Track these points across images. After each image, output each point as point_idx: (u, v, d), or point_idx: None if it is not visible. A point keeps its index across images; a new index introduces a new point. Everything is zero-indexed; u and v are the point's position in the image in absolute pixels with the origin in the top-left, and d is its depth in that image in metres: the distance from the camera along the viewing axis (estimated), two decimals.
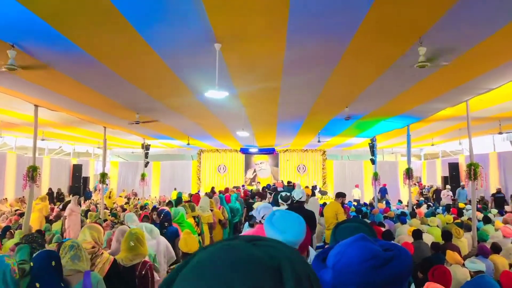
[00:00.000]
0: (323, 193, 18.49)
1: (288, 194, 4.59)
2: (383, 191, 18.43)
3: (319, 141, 14.05)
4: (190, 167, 21.76)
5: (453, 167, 16.91)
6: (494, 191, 13.03)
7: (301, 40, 4.33)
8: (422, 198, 17.99)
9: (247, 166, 21.59)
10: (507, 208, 12.36)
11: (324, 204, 12.62)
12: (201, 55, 4.68)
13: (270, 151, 19.59)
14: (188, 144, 14.90)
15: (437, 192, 16.15)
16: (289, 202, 4.82)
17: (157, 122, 10.33)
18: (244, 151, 19.56)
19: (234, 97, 6.82)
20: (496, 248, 5.56)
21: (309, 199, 7.43)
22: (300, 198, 4.83)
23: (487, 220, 8.75)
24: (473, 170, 7.65)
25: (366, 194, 19.82)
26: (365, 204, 15.31)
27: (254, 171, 21.71)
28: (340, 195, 6.84)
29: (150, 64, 5.19)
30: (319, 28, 4.07)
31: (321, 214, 9.16)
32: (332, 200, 6.41)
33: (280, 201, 4.81)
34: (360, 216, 9.82)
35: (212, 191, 14.91)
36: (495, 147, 15.94)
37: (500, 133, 12.19)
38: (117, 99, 7.49)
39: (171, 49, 4.63)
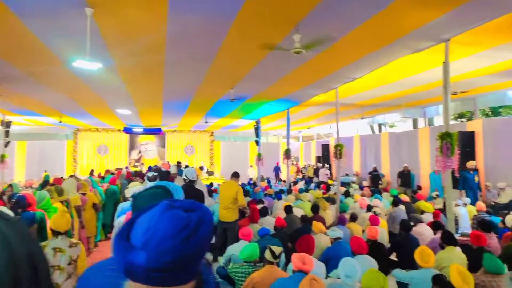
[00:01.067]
0: (210, 173, 18.75)
1: (155, 174, 4.53)
2: (277, 170, 19.72)
3: (206, 122, 14.09)
4: (64, 147, 19.57)
5: (325, 148, 18.91)
6: (371, 169, 14.76)
7: (184, 12, 4.19)
8: (299, 176, 19.74)
9: (132, 146, 20.47)
10: (365, 183, 14.44)
11: (211, 184, 12.89)
12: (69, 19, 4.16)
13: (156, 131, 18.90)
14: (61, 122, 13.32)
15: (317, 170, 17.84)
16: (156, 181, 4.77)
17: (21, 95, 8.93)
18: (128, 130, 18.47)
19: (112, 70, 6.28)
20: (353, 217, 6.44)
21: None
22: (193, 178, 4.82)
23: (347, 194, 10.09)
24: (339, 150, 8.65)
25: (251, 173, 20.79)
26: (249, 183, 16.05)
27: (139, 152, 20.73)
28: (236, 175, 6.98)
29: (5, 25, 4.40)
30: (202, 2, 3.99)
31: (210, 194, 9.34)
32: (228, 180, 6.51)
33: (146, 180, 4.72)
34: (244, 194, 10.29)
35: (91, 173, 13.77)
36: (358, 131, 18.35)
37: (362, 118, 14.00)
38: None
39: (31, 9, 3.99)
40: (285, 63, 6.57)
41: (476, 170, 9.65)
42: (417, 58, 6.48)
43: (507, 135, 9.94)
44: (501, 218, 6.66)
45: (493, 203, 9.08)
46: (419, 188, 12.20)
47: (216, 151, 22.02)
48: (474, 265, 4.16)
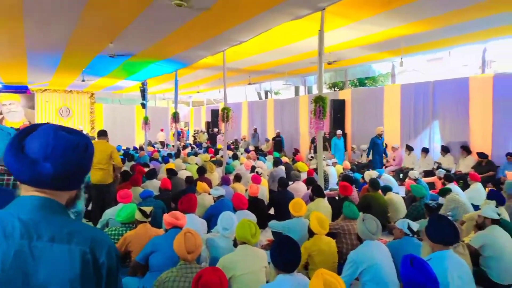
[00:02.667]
0: (91, 138, 17.19)
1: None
2: (179, 133, 18.90)
3: (83, 80, 12.67)
4: None
5: (215, 113, 19.00)
6: (274, 135, 15.14)
7: None
8: (188, 142, 19.60)
9: None
10: (264, 147, 15.06)
11: None
12: None
13: (21, 89, 16.33)
14: None
15: (213, 136, 17.78)
16: None
17: None
18: None
19: None
20: (238, 177, 6.69)
21: None
22: None
23: (235, 157, 10.42)
24: (226, 113, 8.77)
25: (138, 138, 19.81)
26: (134, 148, 15.28)
27: (1, 113, 17.71)
28: (103, 134, 6.41)
29: None
30: None
31: None
32: (98, 140, 5.87)
33: None
34: (127, 159, 9.77)
35: None
36: (246, 97, 18.87)
37: (250, 84, 14.38)
38: None
39: None
40: (169, 19, 6.21)
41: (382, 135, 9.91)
42: (297, 26, 6.81)
43: (370, 104, 11.40)
44: (362, 174, 7.72)
45: (356, 163, 10.45)
46: (297, 151, 13.29)
47: (98, 114, 20.16)
48: (339, 213, 4.76)
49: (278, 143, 13.92)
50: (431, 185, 7.40)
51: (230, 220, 3.35)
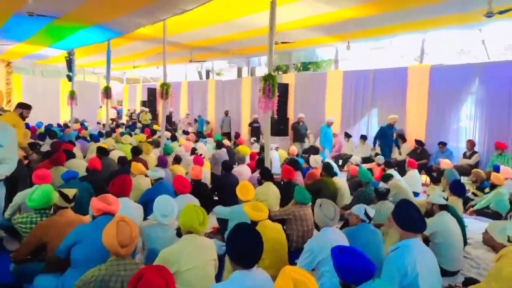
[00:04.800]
0: (2, 110, 15.16)
1: None
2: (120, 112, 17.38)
3: None
4: None
5: (151, 92, 17.87)
6: (250, 121, 14.19)
7: None
8: (121, 121, 18.28)
9: None
10: (191, 129, 14.44)
11: None
12: None
13: None
14: None
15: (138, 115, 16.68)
16: None
17: None
18: None
19: None
20: (177, 159, 6.17)
21: None
22: None
23: (174, 138, 9.77)
24: (165, 90, 8.09)
25: (63, 114, 18.00)
26: (58, 125, 13.77)
27: None
28: (19, 106, 5.48)
29: None
30: None
31: None
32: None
33: None
34: (48, 136, 8.69)
35: None
36: (186, 76, 18.00)
37: (191, 61, 13.62)
38: None
39: None
40: None
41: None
42: None
43: (313, 89, 11.40)
44: (304, 159, 7.62)
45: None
46: (238, 134, 12.95)
47: (15, 86, 17.82)
48: (284, 196, 4.52)
49: (256, 130, 12.27)
50: (370, 171, 7.56)
51: (169, 205, 2.90)
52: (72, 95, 12.21)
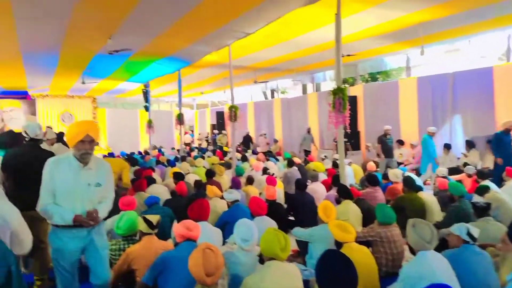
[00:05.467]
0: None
1: None
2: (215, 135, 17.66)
3: (83, 83, 12.20)
4: None
5: (220, 115, 18.50)
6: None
7: None
8: (194, 145, 19.08)
9: None
10: (259, 149, 14.53)
11: None
12: None
13: (21, 95, 15.92)
14: None
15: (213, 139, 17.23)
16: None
17: None
18: None
19: None
20: (250, 180, 6.15)
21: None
22: (36, 135, 3.67)
23: (244, 159, 9.88)
24: (234, 112, 8.24)
25: (142, 142, 19.32)
26: (139, 152, 14.79)
27: (2, 120, 17.30)
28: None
29: None
30: None
31: None
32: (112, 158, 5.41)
33: None
34: (131, 163, 9.29)
35: None
36: (252, 97, 18.35)
37: (255, 82, 13.84)
38: None
39: None
40: (170, 8, 5.70)
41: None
42: (309, 13, 6.29)
43: (382, 99, 10.82)
44: (381, 173, 7.15)
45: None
46: (308, 151, 12.72)
47: (100, 120, 19.68)
48: (367, 217, 4.21)
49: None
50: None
51: (250, 229, 2.81)
52: (149, 124, 13.10)
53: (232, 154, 8.63)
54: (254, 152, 12.45)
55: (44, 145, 4.97)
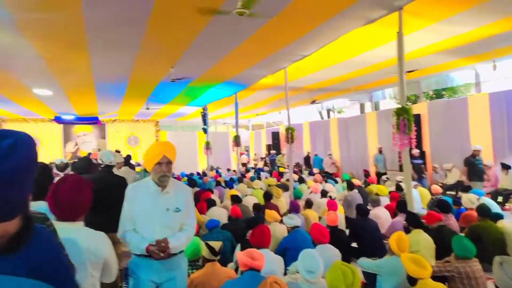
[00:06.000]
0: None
1: (65, 161, 3.72)
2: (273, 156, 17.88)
3: (147, 109, 12.99)
4: None
5: (276, 136, 18.59)
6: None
7: None
8: (250, 165, 19.28)
9: (67, 138, 18.59)
10: (315, 170, 14.28)
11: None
12: None
13: (93, 120, 17.31)
14: None
15: (273, 160, 17.31)
16: (67, 170, 3.96)
17: None
18: (59, 119, 16.70)
19: (11, 29, 5.02)
20: (309, 203, 6.00)
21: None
22: (110, 162, 3.93)
23: (301, 180, 9.72)
24: (290, 134, 8.20)
25: (201, 163, 19.93)
26: (197, 173, 15.24)
27: (76, 144, 18.91)
28: None
29: None
30: None
31: None
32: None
33: (55, 170, 3.85)
34: (190, 185, 9.55)
35: None
36: (307, 117, 18.22)
37: (312, 103, 13.75)
38: None
39: None
40: (228, 36, 5.89)
41: None
42: (368, 32, 6.14)
43: (449, 117, 10.14)
44: (451, 198, 6.61)
45: (440, 184, 9.18)
46: (367, 172, 12.22)
47: None
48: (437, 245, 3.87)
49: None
50: None
51: (315, 260, 2.69)
52: (207, 146, 13.50)
53: (289, 176, 8.53)
54: (311, 174, 12.22)
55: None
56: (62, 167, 3.95)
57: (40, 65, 6.92)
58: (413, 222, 4.07)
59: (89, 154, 15.67)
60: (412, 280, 2.85)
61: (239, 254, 2.59)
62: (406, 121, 4.99)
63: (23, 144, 0.74)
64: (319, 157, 15.23)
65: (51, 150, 18.27)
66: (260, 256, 2.58)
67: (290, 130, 8.19)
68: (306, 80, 10.21)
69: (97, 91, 10.23)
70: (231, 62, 7.59)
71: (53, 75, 7.94)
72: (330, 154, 14.23)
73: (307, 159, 15.90)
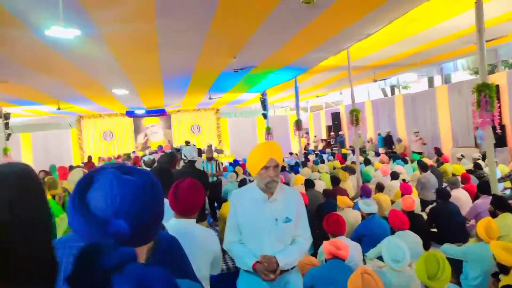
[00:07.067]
0: (219, 151, 18.24)
1: (152, 158, 4.03)
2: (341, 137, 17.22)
3: (210, 98, 13.44)
4: (68, 136, 19.18)
5: (335, 117, 18.19)
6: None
7: None
8: (311, 148, 19.14)
9: (137, 130, 19.96)
10: (381, 150, 13.78)
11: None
12: None
13: (160, 113, 18.33)
14: (59, 109, 12.76)
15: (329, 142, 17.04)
16: (154, 166, 4.26)
17: (11, 84, 8.36)
18: (130, 114, 17.94)
19: (98, 41, 5.57)
20: (380, 187, 5.86)
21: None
22: (193, 157, 4.21)
23: (367, 162, 9.47)
24: (355, 116, 7.99)
25: None
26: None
27: (146, 135, 20.22)
28: None
29: None
30: None
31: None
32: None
33: (143, 166, 4.16)
34: None
35: (89, 160, 13.40)
36: (369, 96, 17.54)
37: (375, 81, 13.19)
38: None
39: None
40: (291, 22, 5.84)
41: None
42: (442, 2, 5.72)
43: None
44: None
45: None
46: (439, 150, 11.53)
47: (223, 129, 21.41)
48: None
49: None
50: None
51: (400, 249, 2.67)
52: (268, 131, 13.65)
53: (355, 158, 8.36)
54: (377, 154, 11.84)
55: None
56: (149, 163, 4.32)
57: (118, 69, 7.51)
58: (500, 205, 3.82)
59: (160, 147, 16.72)
60: (504, 269, 2.71)
61: (325, 244, 2.66)
62: (488, 98, 4.63)
63: (153, 177, 0.87)
64: (383, 136, 14.66)
65: (124, 142, 19.75)
66: (344, 247, 2.63)
67: (355, 112, 7.98)
68: (369, 59, 9.82)
69: (164, 85, 10.80)
70: (292, 48, 7.54)
71: (128, 77, 8.57)
72: (417, 132, 12.60)
73: (387, 139, 14.69)
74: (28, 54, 5.98)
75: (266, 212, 2.23)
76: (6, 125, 12.81)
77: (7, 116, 12.87)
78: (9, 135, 13.09)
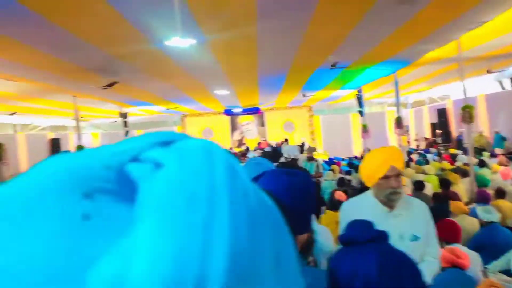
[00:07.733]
0: (312, 149, 18.14)
1: (256, 155, 4.15)
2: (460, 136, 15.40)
3: (304, 96, 13.45)
4: None
5: (441, 113, 16.63)
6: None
7: None
8: (412, 147, 17.84)
9: (233, 128, 21.00)
10: (497, 151, 12.14)
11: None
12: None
13: (254, 111, 19.00)
14: (168, 109, 14.13)
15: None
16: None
17: (129, 87, 9.53)
18: (228, 112, 18.95)
19: (205, 48, 6.05)
20: (501, 193, 5.22)
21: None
22: (295, 156, 4.31)
23: (482, 164, 8.47)
24: (468, 113, 7.23)
25: (355, 147, 19.55)
26: (355, 157, 15.03)
27: (241, 132, 21.15)
28: None
29: (101, 15, 4.41)
30: None
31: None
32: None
33: None
34: (354, 169, 9.47)
35: None
36: (483, 89, 15.61)
37: (489, 72, 11.71)
38: (75, 62, 6.67)
39: None
40: (390, 19, 5.55)
41: None
42: None
43: None
44: None
45: None
46: None
47: (316, 126, 21.24)
48: None
49: None
50: None
51: None
52: (364, 128, 13.14)
53: (469, 160, 7.55)
54: (493, 155, 10.52)
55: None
56: None
57: (220, 72, 8.04)
58: None
59: (259, 143, 17.40)
60: None
61: (443, 252, 2.48)
62: None
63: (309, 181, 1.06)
64: (500, 134, 12.93)
65: (222, 139, 20.94)
66: (464, 255, 2.42)
67: (468, 108, 7.22)
68: (482, 48, 8.76)
69: (259, 85, 11.17)
70: (393, 41, 7.14)
71: (228, 78, 9.11)
72: None
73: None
74: (147, 61, 6.76)
75: (389, 229, 1.85)
76: (125, 124, 14.64)
77: (125, 116, 14.71)
78: (127, 132, 14.93)
